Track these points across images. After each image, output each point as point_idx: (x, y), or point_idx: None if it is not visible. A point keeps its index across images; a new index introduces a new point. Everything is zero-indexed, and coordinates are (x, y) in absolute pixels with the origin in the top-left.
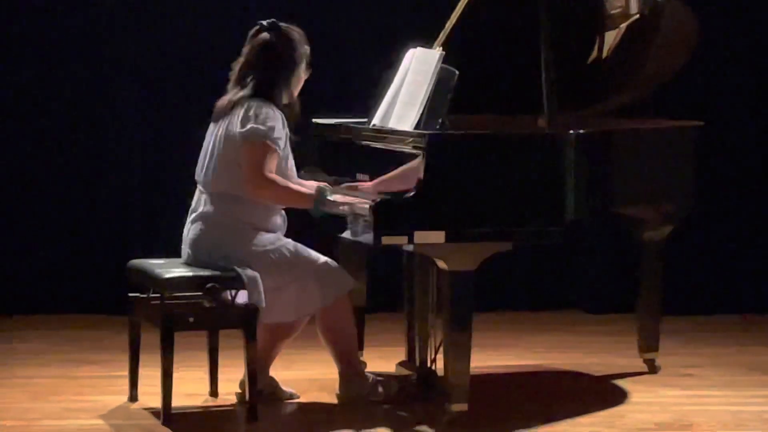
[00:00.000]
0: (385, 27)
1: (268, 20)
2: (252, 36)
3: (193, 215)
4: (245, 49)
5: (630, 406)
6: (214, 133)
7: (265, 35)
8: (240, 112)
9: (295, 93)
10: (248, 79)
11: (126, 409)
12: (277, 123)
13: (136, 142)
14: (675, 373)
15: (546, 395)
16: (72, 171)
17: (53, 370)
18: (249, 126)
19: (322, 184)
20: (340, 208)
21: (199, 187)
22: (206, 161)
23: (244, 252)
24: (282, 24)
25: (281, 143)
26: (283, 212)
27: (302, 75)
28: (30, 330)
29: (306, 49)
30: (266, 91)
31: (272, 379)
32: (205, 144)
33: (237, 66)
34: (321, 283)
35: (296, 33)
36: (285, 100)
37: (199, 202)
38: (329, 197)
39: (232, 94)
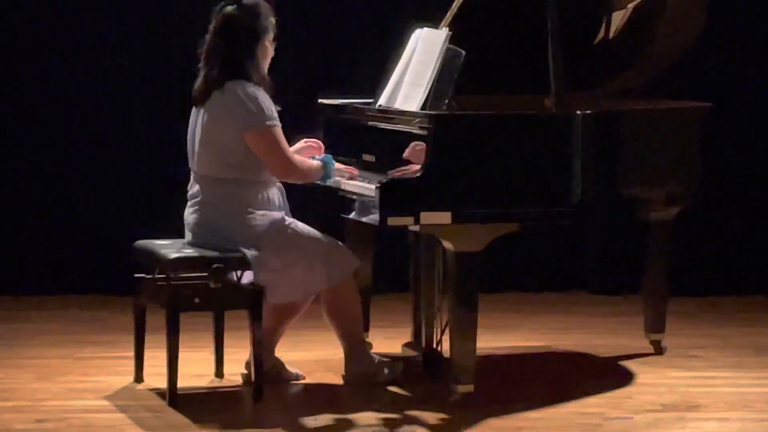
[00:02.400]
0: (391, 7)
1: None
2: (216, 13)
3: (191, 201)
4: (210, 27)
5: (636, 387)
6: (197, 119)
7: (226, 9)
8: (223, 99)
9: (264, 67)
10: (216, 58)
11: (132, 390)
12: (263, 98)
13: (142, 123)
14: (681, 355)
15: (552, 376)
16: (78, 152)
17: (59, 351)
18: (243, 116)
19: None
20: (344, 175)
21: (196, 174)
22: (194, 147)
23: (248, 234)
24: None
25: (276, 115)
26: (280, 185)
27: (269, 47)
28: (36, 311)
29: (270, 20)
30: (236, 68)
31: (277, 359)
32: (189, 130)
33: (204, 45)
34: (327, 262)
35: (259, 4)
36: (254, 76)
37: (194, 187)
38: (334, 164)
39: (204, 75)
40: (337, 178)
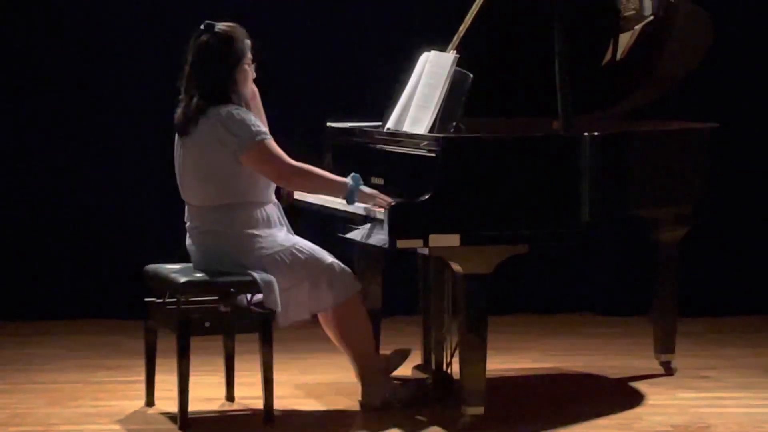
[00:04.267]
0: (399, 31)
1: (204, 23)
2: (191, 42)
3: (191, 231)
4: (187, 57)
5: (647, 408)
6: (182, 148)
7: (201, 38)
8: (208, 126)
9: (244, 90)
10: (196, 87)
11: (143, 414)
12: (246, 116)
13: (153, 148)
14: (691, 375)
15: (562, 398)
16: (88, 176)
17: (71, 376)
18: (233, 140)
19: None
20: (374, 200)
21: (190, 204)
22: (189, 179)
23: (252, 258)
24: (218, 23)
25: (263, 128)
26: (276, 201)
27: (248, 69)
28: (47, 335)
29: (246, 43)
30: (216, 93)
31: (385, 356)
32: (176, 160)
33: (183, 76)
34: (331, 283)
35: (232, 29)
36: (236, 100)
37: (190, 216)
38: (362, 186)
39: (185, 104)
40: (367, 205)
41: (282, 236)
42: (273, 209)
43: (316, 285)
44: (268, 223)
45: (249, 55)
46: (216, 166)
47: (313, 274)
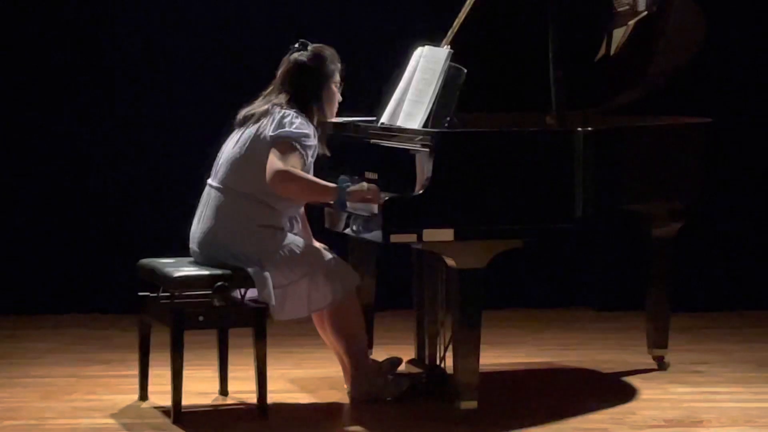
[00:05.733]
0: (393, 25)
1: (299, 41)
2: (285, 58)
3: (202, 214)
4: (278, 71)
5: (640, 402)
6: (239, 135)
7: (295, 55)
8: (274, 117)
9: (329, 110)
10: (280, 95)
11: (136, 408)
12: (309, 131)
13: (146, 142)
14: (684, 370)
15: (555, 392)
16: (82, 171)
17: (65, 370)
18: (280, 130)
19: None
20: (365, 196)
21: (213, 185)
22: (227, 160)
23: (253, 250)
24: (312, 43)
25: (310, 152)
26: (297, 215)
27: (335, 90)
28: (41, 329)
29: (336, 65)
30: (298, 107)
31: (375, 362)
32: (226, 146)
33: (270, 87)
34: (330, 279)
35: (324, 49)
36: (317, 117)
37: (209, 201)
38: (351, 186)
39: (263, 101)
40: (362, 203)
41: (281, 234)
42: (289, 218)
43: (314, 282)
44: (278, 226)
45: (338, 77)
46: (255, 151)
47: (310, 272)
